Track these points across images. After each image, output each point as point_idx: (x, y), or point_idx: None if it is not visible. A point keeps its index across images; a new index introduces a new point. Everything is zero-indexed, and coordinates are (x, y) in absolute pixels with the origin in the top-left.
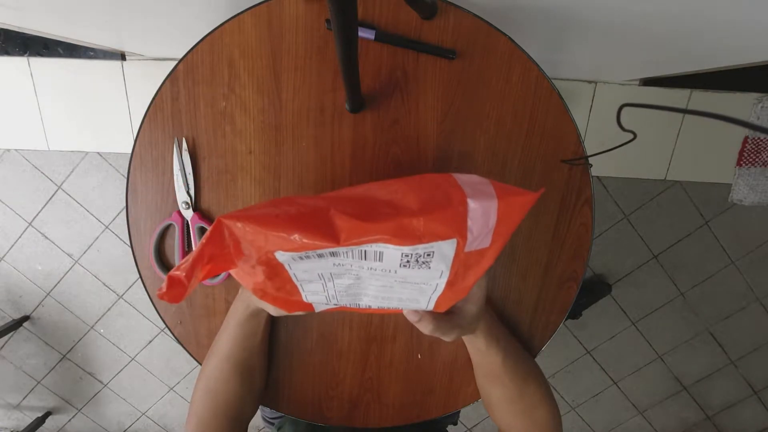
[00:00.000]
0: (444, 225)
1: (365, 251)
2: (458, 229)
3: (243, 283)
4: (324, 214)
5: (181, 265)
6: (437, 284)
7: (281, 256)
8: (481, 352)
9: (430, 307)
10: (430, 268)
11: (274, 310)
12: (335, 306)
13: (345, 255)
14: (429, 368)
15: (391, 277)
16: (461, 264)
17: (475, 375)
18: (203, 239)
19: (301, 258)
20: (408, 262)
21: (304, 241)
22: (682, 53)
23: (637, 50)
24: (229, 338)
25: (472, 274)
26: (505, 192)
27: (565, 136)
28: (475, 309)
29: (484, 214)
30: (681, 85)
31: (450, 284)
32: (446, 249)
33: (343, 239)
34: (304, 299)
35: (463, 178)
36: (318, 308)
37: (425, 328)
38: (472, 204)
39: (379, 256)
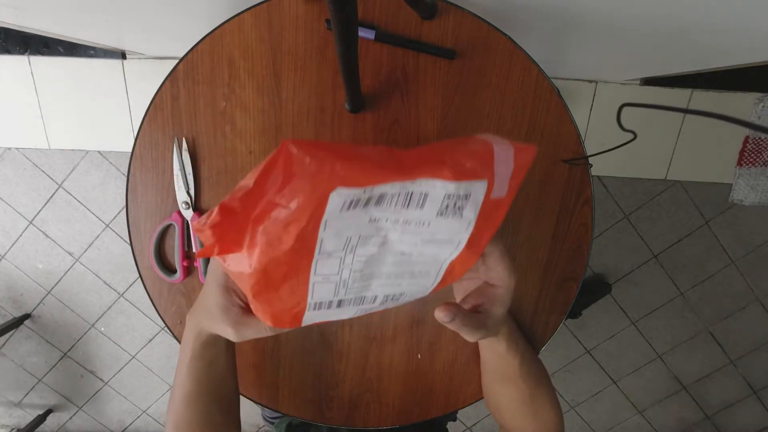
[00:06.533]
0: (481, 164)
1: (411, 193)
2: (489, 170)
3: (238, 271)
4: (387, 152)
5: (236, 192)
6: (460, 241)
7: (336, 198)
8: (500, 355)
9: (438, 281)
10: (462, 216)
11: (233, 334)
12: (325, 318)
13: (391, 202)
14: (429, 368)
15: (418, 236)
16: (484, 214)
17: (486, 378)
18: (262, 165)
19: (351, 205)
20: (447, 207)
21: (370, 168)
22: (683, 53)
23: (638, 50)
24: (191, 375)
25: (488, 230)
26: (514, 143)
27: (565, 135)
28: (501, 311)
29: (506, 159)
30: (682, 85)
31: (470, 241)
32: (479, 191)
33: (405, 162)
34: (309, 292)
35: (479, 135)
36: (307, 319)
37: (454, 325)
38: (496, 148)
39: (422, 201)
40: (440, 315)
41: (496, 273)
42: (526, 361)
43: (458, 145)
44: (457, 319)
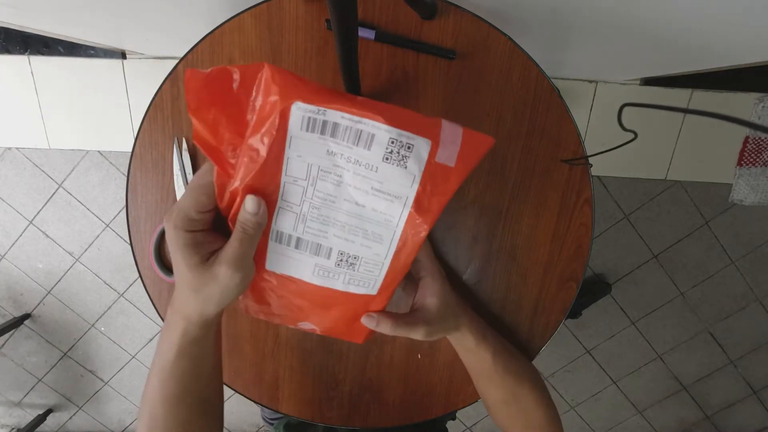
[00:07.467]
0: (424, 125)
1: (361, 131)
2: (433, 134)
3: (218, 164)
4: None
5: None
6: (407, 197)
7: (297, 110)
8: (471, 350)
9: (391, 253)
10: (406, 167)
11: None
12: (286, 267)
13: (344, 134)
14: (429, 368)
15: (369, 182)
16: (430, 176)
17: (473, 379)
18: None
19: (309, 125)
20: (391, 153)
21: (325, 95)
22: (683, 53)
23: (638, 50)
24: (174, 376)
25: (436, 196)
26: (469, 129)
27: (565, 135)
28: (436, 302)
29: (453, 132)
30: (682, 85)
31: (418, 202)
32: (422, 148)
33: (357, 102)
34: (273, 216)
35: None
36: (271, 258)
37: (384, 328)
38: (444, 122)
39: (369, 141)
40: (365, 320)
41: (420, 263)
42: (499, 355)
43: (413, 112)
44: (382, 323)
